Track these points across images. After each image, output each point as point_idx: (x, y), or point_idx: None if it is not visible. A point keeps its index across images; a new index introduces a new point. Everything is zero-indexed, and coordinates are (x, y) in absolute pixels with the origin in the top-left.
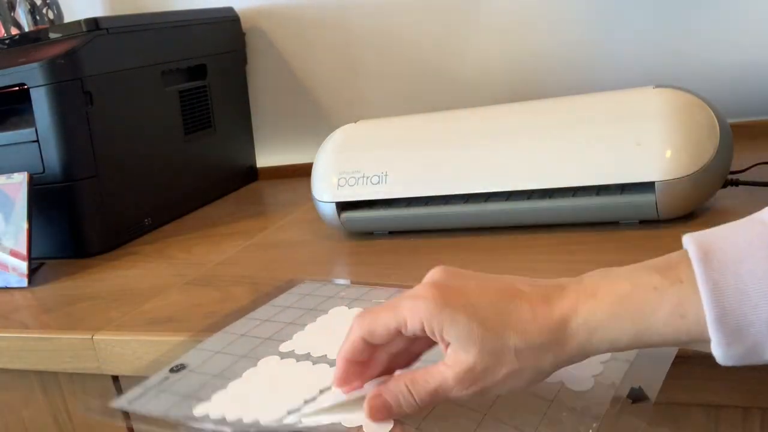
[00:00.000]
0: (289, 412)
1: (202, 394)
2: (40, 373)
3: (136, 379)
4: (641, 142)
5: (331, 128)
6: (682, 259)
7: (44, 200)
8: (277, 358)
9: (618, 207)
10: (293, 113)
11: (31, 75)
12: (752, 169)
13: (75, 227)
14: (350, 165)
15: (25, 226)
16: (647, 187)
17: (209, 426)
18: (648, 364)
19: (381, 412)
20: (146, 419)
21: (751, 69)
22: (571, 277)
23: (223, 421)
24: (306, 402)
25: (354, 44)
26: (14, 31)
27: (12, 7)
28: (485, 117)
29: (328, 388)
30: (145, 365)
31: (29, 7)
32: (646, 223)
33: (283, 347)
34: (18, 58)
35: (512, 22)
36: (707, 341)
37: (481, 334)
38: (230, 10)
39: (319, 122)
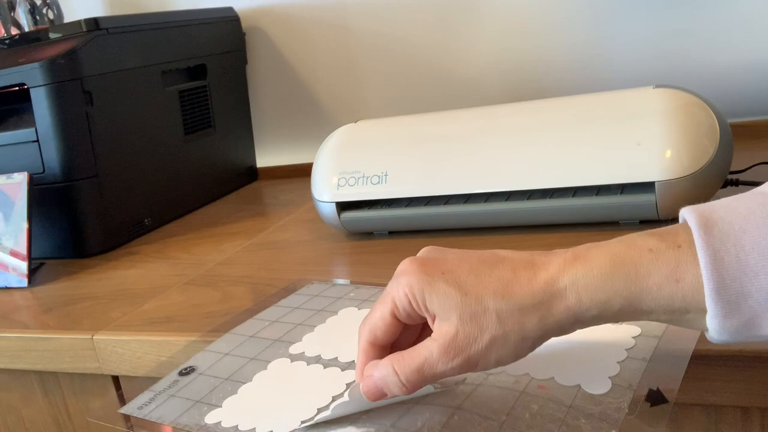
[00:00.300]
0: (303, 423)
1: (213, 399)
2: (40, 373)
3: (136, 379)
4: (641, 142)
5: (331, 128)
6: (681, 227)
7: (44, 200)
8: (287, 360)
9: (618, 207)
10: (293, 113)
11: (31, 75)
12: (752, 169)
13: (75, 227)
14: (350, 165)
15: (25, 226)
16: (647, 187)
17: None
18: (665, 362)
19: (372, 393)
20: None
21: (751, 69)
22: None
23: (236, 431)
24: (319, 410)
25: (354, 44)
26: (14, 31)
27: (12, 7)
28: (485, 117)
29: (341, 395)
30: (146, 365)
31: (29, 7)
32: (646, 223)
33: (293, 349)
34: (18, 58)
35: (512, 22)
36: (701, 311)
37: (459, 299)
38: (230, 10)
39: (319, 122)
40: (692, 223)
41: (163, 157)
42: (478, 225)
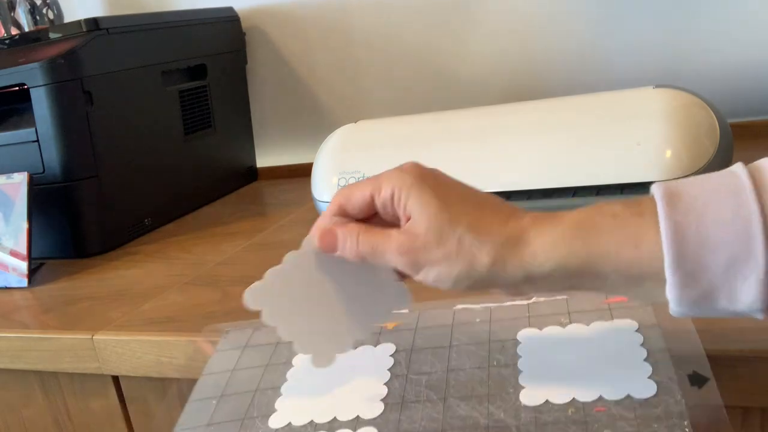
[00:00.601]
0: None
1: None
2: (40, 373)
3: (136, 379)
4: (641, 142)
5: (331, 128)
6: (648, 199)
7: (44, 200)
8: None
9: None
10: (293, 113)
11: (31, 75)
12: None
13: (75, 227)
14: (350, 165)
15: (25, 226)
16: (647, 187)
17: None
18: (679, 344)
19: (327, 241)
20: None
21: (751, 69)
22: None
23: None
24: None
25: (354, 44)
26: (14, 31)
27: (12, 7)
28: (485, 117)
29: None
30: (146, 365)
31: (29, 7)
32: None
33: (275, 422)
34: (18, 58)
35: (512, 22)
36: (659, 280)
37: (437, 213)
38: (230, 10)
39: (319, 122)
40: (657, 195)
41: (163, 157)
42: None
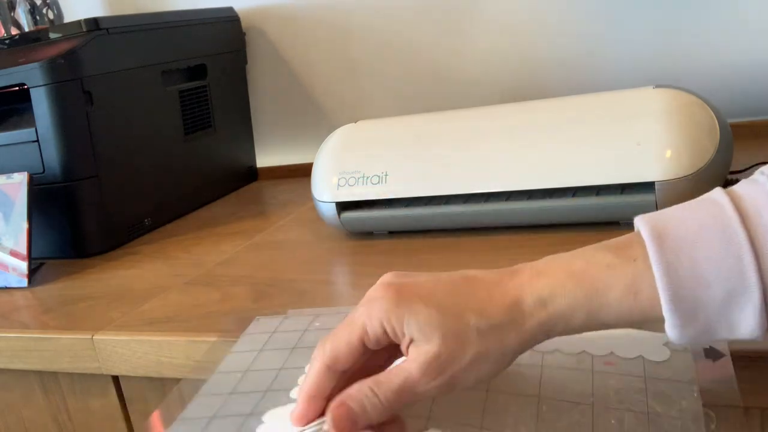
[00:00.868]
0: None
1: None
2: (40, 373)
3: (136, 379)
4: (641, 142)
5: (331, 128)
6: (635, 239)
7: (44, 200)
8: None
9: (618, 207)
10: (293, 113)
11: (31, 75)
12: (752, 169)
13: (75, 227)
14: (350, 165)
15: (25, 226)
16: (647, 187)
17: None
18: None
19: (345, 420)
20: None
21: (751, 69)
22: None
23: None
24: None
25: (354, 44)
26: (14, 31)
27: (12, 7)
28: (485, 117)
29: None
30: (146, 365)
31: (29, 7)
32: None
33: (296, 394)
34: (18, 58)
35: (512, 22)
36: (660, 320)
37: (441, 319)
38: (230, 10)
39: (319, 122)
40: (645, 235)
41: (163, 157)
42: (478, 225)
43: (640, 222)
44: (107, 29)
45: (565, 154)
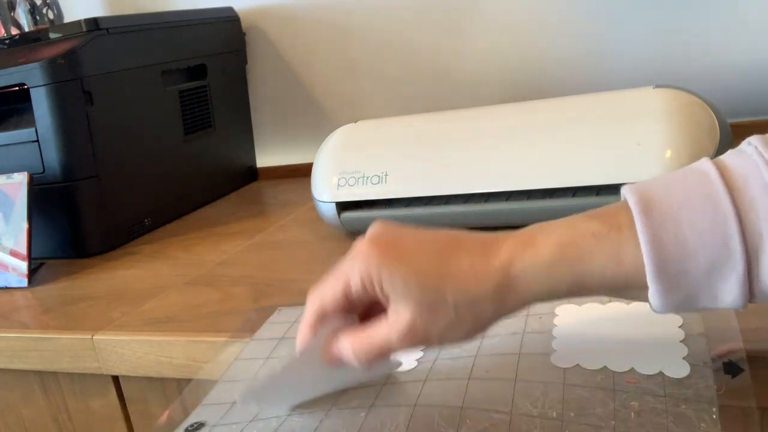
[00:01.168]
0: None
1: None
2: (40, 373)
3: (136, 379)
4: (641, 142)
5: (331, 128)
6: (622, 207)
7: (44, 200)
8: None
9: None
10: (293, 113)
11: (31, 75)
12: None
13: (75, 227)
14: (350, 165)
15: (25, 226)
16: None
17: None
18: (719, 332)
19: (334, 363)
20: None
21: (751, 69)
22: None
23: None
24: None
25: (354, 44)
26: (14, 31)
27: (12, 7)
28: (485, 117)
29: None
30: (146, 365)
31: (29, 7)
32: None
33: None
34: (18, 58)
35: (512, 22)
36: (644, 288)
37: (418, 288)
38: (230, 10)
39: (319, 122)
40: (632, 204)
41: (163, 157)
42: (478, 225)
43: (627, 191)
44: (107, 29)
45: (565, 154)
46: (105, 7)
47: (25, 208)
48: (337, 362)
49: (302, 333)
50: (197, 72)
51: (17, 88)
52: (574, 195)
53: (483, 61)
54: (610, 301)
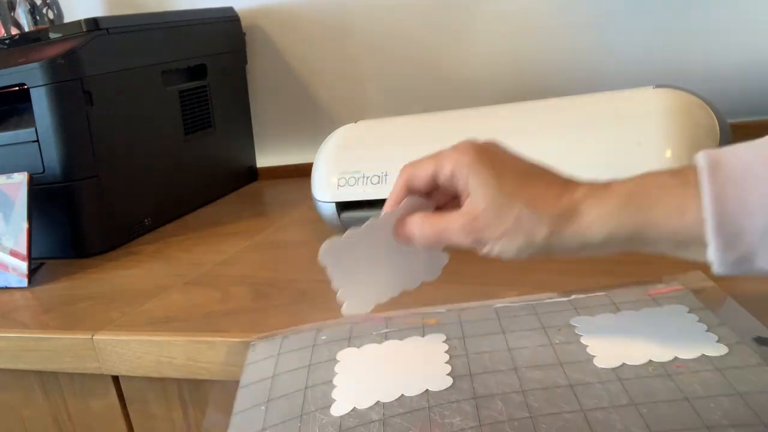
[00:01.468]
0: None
1: None
2: (40, 373)
3: (136, 379)
4: (641, 142)
5: (331, 128)
6: (692, 167)
7: (44, 200)
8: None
9: None
10: (293, 113)
11: (31, 75)
12: None
13: (75, 227)
14: (350, 165)
15: (25, 226)
16: None
17: None
18: (734, 315)
19: (400, 235)
20: None
21: (751, 69)
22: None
23: None
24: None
25: (354, 44)
26: (14, 31)
27: (12, 7)
28: (485, 117)
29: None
30: (146, 365)
31: (29, 7)
32: None
33: (337, 410)
34: (18, 58)
35: (512, 22)
36: (702, 244)
37: (495, 191)
38: (230, 10)
39: (319, 122)
40: (701, 163)
41: (163, 157)
42: None
43: (699, 154)
44: (107, 29)
45: (565, 154)
46: (105, 7)
47: (25, 208)
48: (404, 236)
49: (389, 201)
50: (197, 72)
51: (17, 88)
52: None
53: (483, 60)
54: (619, 311)
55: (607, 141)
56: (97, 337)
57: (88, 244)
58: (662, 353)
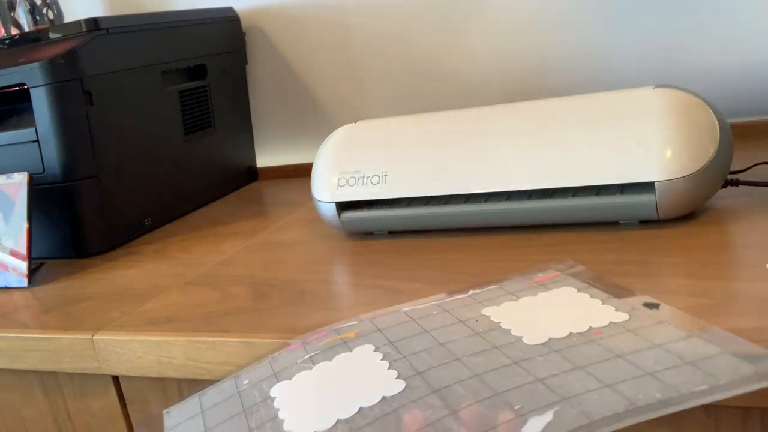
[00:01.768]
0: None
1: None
2: (40, 373)
3: (136, 379)
4: (641, 142)
5: (331, 128)
6: None
7: (44, 200)
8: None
9: (618, 207)
10: (293, 113)
11: (31, 75)
12: (752, 169)
13: (75, 227)
14: (350, 165)
15: (25, 226)
16: (647, 187)
17: None
18: (619, 289)
19: None
20: None
21: (751, 69)
22: None
23: None
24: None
25: (354, 44)
26: (14, 31)
27: (12, 7)
28: (485, 117)
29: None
30: (146, 365)
31: (29, 7)
32: (646, 223)
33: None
34: (18, 58)
35: (512, 22)
36: None
37: None
38: (230, 10)
39: (319, 122)
40: None
41: (163, 157)
42: (478, 225)
43: None
44: (107, 29)
45: (565, 154)
46: (105, 7)
47: (25, 208)
48: None
49: None
50: (197, 72)
51: (17, 88)
52: (574, 195)
53: (483, 60)
54: (519, 298)
55: (607, 141)
56: (97, 337)
57: (88, 244)
58: (578, 325)
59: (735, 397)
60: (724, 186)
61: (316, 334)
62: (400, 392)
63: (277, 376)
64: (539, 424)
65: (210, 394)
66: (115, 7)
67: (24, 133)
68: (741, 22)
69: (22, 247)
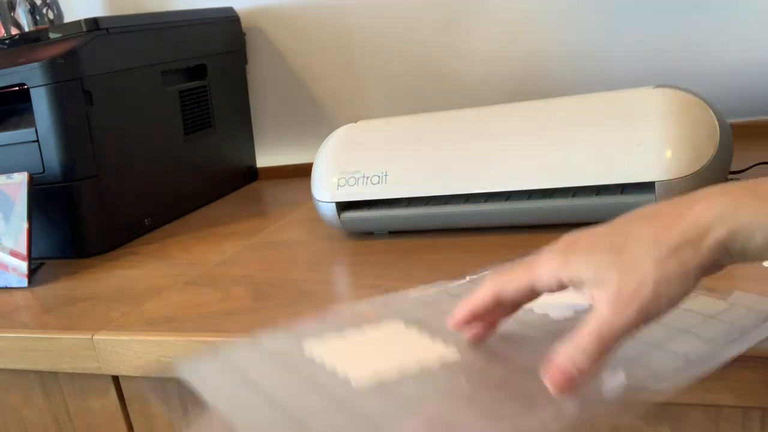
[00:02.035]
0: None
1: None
2: (40, 373)
3: (136, 379)
4: (641, 142)
5: (331, 128)
6: None
7: (44, 200)
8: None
9: (618, 207)
10: (293, 113)
11: (31, 75)
12: (752, 169)
13: (75, 227)
14: (350, 165)
15: (25, 226)
16: (647, 187)
17: None
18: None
19: (564, 380)
20: None
21: (751, 69)
22: None
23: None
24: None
25: (354, 44)
26: (14, 31)
27: (12, 7)
28: (485, 117)
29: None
30: (146, 365)
31: (29, 7)
32: None
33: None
34: (18, 58)
35: (512, 22)
36: None
37: (613, 257)
38: (230, 10)
39: (319, 122)
40: None
41: (163, 157)
42: (478, 225)
43: None
44: (107, 29)
45: (565, 154)
46: (105, 7)
47: (25, 208)
48: (565, 380)
49: (474, 300)
50: (197, 72)
51: (17, 88)
52: (574, 195)
53: (483, 60)
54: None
55: (607, 141)
56: (97, 337)
57: (88, 244)
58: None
59: (735, 397)
60: None
61: (329, 313)
62: (458, 360)
63: (302, 340)
64: (615, 382)
65: (224, 358)
66: (115, 7)
67: (24, 133)
68: (741, 22)
69: (22, 247)
